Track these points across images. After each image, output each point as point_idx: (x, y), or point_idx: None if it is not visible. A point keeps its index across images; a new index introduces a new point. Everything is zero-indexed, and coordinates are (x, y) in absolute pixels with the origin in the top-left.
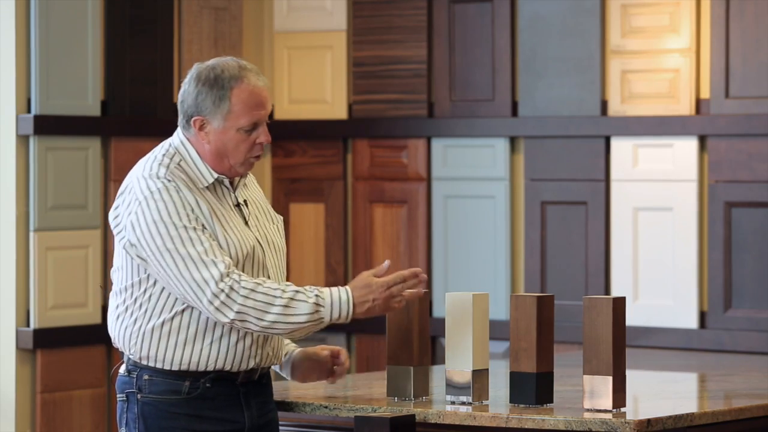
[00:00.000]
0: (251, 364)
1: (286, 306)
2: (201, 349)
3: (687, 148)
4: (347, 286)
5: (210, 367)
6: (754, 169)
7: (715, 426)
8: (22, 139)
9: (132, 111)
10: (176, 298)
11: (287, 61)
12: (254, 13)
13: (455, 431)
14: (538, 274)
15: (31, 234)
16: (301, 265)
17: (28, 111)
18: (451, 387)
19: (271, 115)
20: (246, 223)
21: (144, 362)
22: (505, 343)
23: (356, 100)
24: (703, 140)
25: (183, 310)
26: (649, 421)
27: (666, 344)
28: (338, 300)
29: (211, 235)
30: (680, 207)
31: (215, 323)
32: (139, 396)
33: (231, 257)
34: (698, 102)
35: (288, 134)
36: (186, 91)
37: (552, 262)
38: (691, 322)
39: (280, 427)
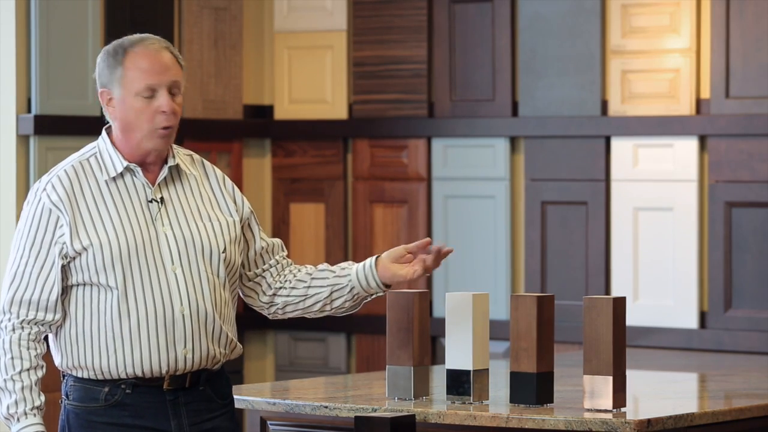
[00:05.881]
0: (163, 369)
1: None
2: (101, 356)
3: (687, 148)
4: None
5: (122, 374)
6: (754, 169)
7: (715, 426)
8: (22, 139)
9: None
10: (73, 305)
11: (287, 61)
12: (254, 13)
13: (455, 431)
14: (538, 274)
15: None
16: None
17: (28, 111)
18: (451, 387)
19: (271, 115)
20: (153, 219)
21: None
22: (505, 343)
23: (356, 100)
24: (703, 140)
25: (77, 317)
26: (649, 421)
27: (666, 344)
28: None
29: (44, 263)
30: (680, 207)
31: (105, 329)
32: (66, 402)
33: (106, 252)
34: (698, 102)
35: (288, 134)
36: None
37: (552, 262)
38: (691, 322)
39: (281, 428)
